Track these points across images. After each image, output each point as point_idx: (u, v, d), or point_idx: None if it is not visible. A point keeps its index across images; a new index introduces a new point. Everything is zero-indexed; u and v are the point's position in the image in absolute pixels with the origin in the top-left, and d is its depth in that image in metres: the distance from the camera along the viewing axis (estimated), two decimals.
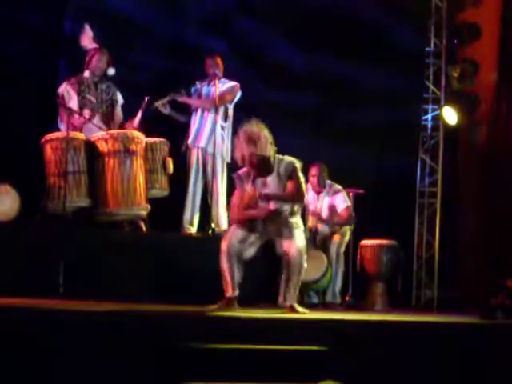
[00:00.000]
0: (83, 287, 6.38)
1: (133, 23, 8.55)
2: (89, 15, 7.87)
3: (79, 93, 7.33)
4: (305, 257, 6.12)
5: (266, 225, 6.14)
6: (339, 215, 7.88)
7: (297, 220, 6.23)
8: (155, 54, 8.61)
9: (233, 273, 6.08)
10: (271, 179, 6.14)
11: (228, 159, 7.54)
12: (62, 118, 7.16)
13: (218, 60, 7.63)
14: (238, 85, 7.62)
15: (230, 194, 7.37)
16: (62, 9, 8.31)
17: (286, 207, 6.15)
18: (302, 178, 6.16)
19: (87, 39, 7.41)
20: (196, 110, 7.66)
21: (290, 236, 6.09)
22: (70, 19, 8.27)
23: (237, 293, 6.11)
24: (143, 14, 8.66)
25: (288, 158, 6.18)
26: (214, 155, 7.39)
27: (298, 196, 6.16)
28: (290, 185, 6.11)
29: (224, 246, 6.10)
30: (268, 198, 6.12)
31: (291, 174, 6.12)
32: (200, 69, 7.70)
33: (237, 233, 6.15)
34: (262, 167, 6.10)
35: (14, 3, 8.06)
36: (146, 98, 7.37)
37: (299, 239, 6.11)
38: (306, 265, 6.14)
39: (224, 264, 6.07)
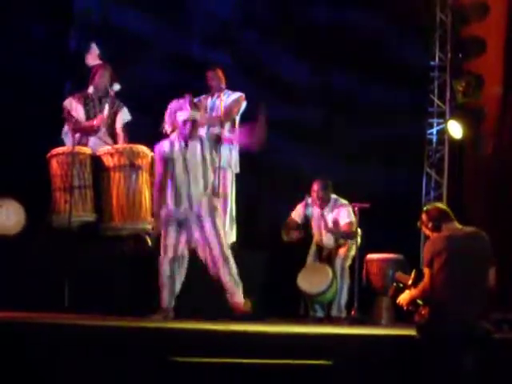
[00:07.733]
0: (88, 301, 6.39)
1: (137, 38, 8.58)
2: (94, 31, 7.90)
3: (84, 106, 7.35)
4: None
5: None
6: (341, 227, 7.85)
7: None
8: (160, 68, 8.63)
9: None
10: None
11: (237, 170, 7.53)
12: (68, 131, 7.18)
13: (220, 73, 7.50)
14: (243, 95, 7.51)
15: (238, 206, 7.42)
16: (67, 25, 8.36)
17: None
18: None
19: (92, 58, 7.42)
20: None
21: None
22: (75, 36, 8.31)
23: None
24: (148, 28, 8.70)
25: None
26: (224, 169, 7.36)
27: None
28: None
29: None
30: None
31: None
32: (205, 83, 7.70)
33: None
34: None
35: (20, 18, 8.11)
36: None
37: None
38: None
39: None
